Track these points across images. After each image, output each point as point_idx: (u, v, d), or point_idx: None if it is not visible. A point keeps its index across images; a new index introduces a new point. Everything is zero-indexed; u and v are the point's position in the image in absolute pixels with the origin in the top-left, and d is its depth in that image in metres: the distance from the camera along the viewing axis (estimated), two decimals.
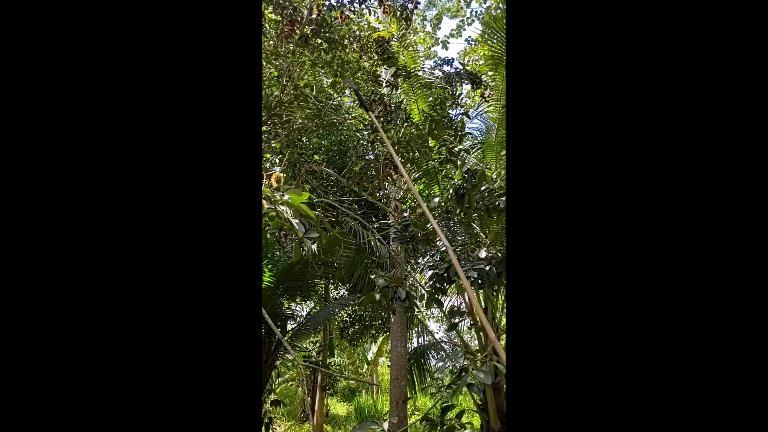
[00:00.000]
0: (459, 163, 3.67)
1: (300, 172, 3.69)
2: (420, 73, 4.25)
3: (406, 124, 3.44)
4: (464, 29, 6.81)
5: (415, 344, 5.73)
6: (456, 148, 3.49)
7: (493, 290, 3.76)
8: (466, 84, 4.11)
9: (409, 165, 3.71)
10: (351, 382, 11.24)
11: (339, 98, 3.75)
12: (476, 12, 6.66)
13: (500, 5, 4.19)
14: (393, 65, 3.67)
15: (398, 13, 3.77)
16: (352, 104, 4.20)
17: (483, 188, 3.17)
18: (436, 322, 9.48)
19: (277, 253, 4.84)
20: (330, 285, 7.03)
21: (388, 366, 6.27)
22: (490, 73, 4.41)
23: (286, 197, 1.60)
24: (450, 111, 3.73)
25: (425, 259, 4.24)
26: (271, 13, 3.09)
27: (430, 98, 4.06)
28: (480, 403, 3.90)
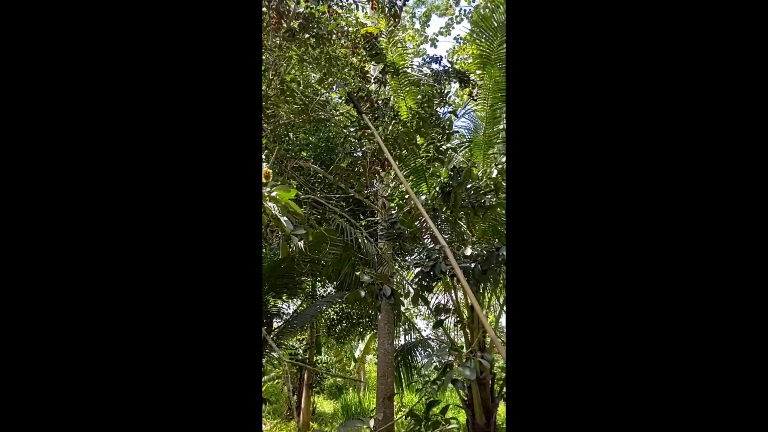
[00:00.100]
0: (446, 161, 3.68)
1: (286, 168, 3.66)
2: (408, 71, 4.24)
3: (393, 121, 3.43)
4: (453, 27, 6.82)
5: (403, 341, 5.74)
6: (443, 147, 3.49)
7: (479, 288, 3.78)
8: (455, 82, 4.12)
9: (396, 163, 3.70)
10: (338, 379, 11.23)
11: (327, 94, 3.72)
12: (465, 11, 6.67)
13: (488, 4, 4.20)
14: (381, 61, 3.65)
15: (387, 9, 3.76)
16: (339, 101, 4.18)
17: (469, 186, 3.18)
18: (424, 319, 9.52)
19: (263, 249, 4.80)
20: (317, 282, 7.00)
21: (375, 363, 6.27)
22: (478, 72, 4.43)
23: (273, 193, 1.57)
24: (438, 109, 3.73)
25: (412, 257, 4.24)
26: None
27: (419, 96, 4.06)
28: (465, 398, 3.93)
